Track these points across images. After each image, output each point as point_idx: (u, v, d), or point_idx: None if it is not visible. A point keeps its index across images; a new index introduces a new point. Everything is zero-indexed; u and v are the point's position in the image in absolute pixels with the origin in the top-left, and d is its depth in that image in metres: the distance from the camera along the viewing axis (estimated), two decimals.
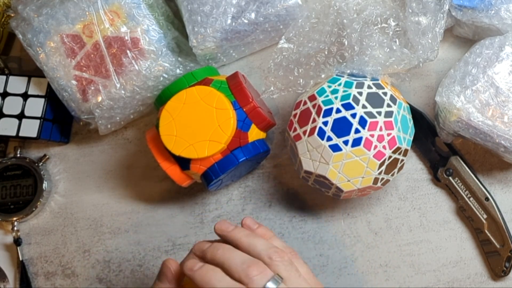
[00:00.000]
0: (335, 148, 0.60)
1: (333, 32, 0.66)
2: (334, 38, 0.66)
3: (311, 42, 0.66)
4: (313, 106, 0.63)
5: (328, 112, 0.61)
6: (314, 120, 0.62)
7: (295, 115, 0.64)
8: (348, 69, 0.65)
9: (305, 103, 0.64)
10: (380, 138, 0.60)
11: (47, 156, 0.75)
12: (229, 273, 0.52)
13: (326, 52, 0.65)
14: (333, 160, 0.60)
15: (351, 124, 0.61)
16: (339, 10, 0.65)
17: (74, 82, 0.68)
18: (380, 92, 0.62)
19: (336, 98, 0.62)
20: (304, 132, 0.62)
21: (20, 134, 0.71)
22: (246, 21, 0.67)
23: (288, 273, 0.53)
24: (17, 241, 0.73)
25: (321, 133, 0.61)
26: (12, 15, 0.71)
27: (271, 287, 0.51)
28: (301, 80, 0.65)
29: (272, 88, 0.66)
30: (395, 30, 0.66)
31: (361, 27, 0.64)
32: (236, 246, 0.55)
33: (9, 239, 0.74)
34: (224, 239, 0.57)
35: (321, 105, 0.62)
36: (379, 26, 0.67)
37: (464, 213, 0.70)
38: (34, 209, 0.73)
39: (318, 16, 0.67)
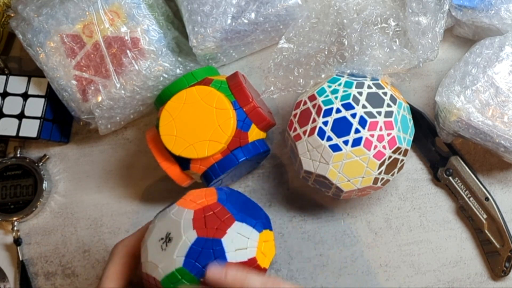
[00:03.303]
0: (335, 148, 0.60)
1: (333, 32, 0.66)
2: (334, 38, 0.66)
3: (311, 42, 0.66)
4: (313, 106, 0.62)
5: (328, 112, 0.61)
6: (314, 120, 0.62)
7: (295, 115, 0.64)
8: (348, 69, 0.65)
9: (305, 103, 0.64)
10: (380, 138, 0.60)
11: (47, 156, 0.75)
12: None
13: (326, 52, 0.65)
14: (333, 160, 0.60)
15: (351, 124, 0.61)
16: (339, 10, 0.65)
17: (74, 82, 0.68)
18: (380, 92, 0.62)
19: (336, 98, 0.62)
20: (304, 132, 0.62)
21: (20, 134, 0.71)
22: (246, 21, 0.67)
23: None
24: (17, 241, 0.73)
25: (321, 133, 0.61)
26: (12, 15, 0.71)
27: None
28: (301, 80, 0.65)
29: (272, 88, 0.66)
30: (395, 30, 0.66)
31: (361, 27, 0.64)
32: None
33: (9, 239, 0.74)
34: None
35: (321, 105, 0.62)
36: (379, 26, 0.67)
37: (464, 213, 0.70)
38: (34, 209, 0.73)
39: (318, 16, 0.67)
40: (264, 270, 0.53)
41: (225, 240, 0.51)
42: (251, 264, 0.52)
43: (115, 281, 0.54)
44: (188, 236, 0.50)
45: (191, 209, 0.52)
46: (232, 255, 0.50)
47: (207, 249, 0.50)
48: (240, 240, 0.51)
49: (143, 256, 0.52)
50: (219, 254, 0.50)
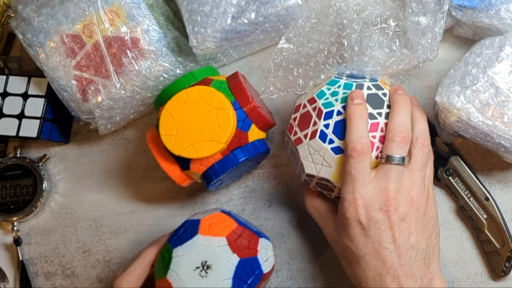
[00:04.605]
0: (337, 150, 0.60)
1: (332, 33, 0.66)
2: (333, 39, 0.66)
3: (311, 43, 0.66)
4: (313, 109, 0.62)
5: (329, 115, 0.61)
6: (315, 123, 0.62)
7: (294, 119, 0.64)
8: (348, 70, 0.65)
9: (304, 106, 0.63)
10: (382, 139, 0.60)
11: (47, 156, 0.75)
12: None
13: (325, 53, 0.65)
14: (336, 162, 0.60)
15: None
16: (339, 11, 0.65)
17: (74, 82, 0.68)
18: (379, 93, 0.62)
19: (336, 100, 0.62)
20: (305, 136, 0.62)
21: (20, 134, 0.71)
22: (246, 21, 0.67)
23: (416, 161, 0.59)
24: (17, 241, 0.73)
25: (323, 136, 0.61)
26: (12, 15, 0.71)
27: (395, 161, 0.57)
28: (301, 81, 0.65)
29: (271, 88, 0.66)
30: (395, 30, 0.66)
31: (360, 28, 0.64)
32: (400, 110, 0.60)
33: (9, 239, 0.74)
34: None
35: (322, 107, 0.62)
36: (379, 26, 0.67)
37: (464, 213, 0.70)
38: (34, 209, 0.73)
39: (318, 16, 0.67)
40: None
41: (259, 256, 0.59)
42: (272, 270, 0.61)
43: None
44: (230, 260, 0.58)
45: (222, 236, 0.59)
46: (265, 267, 0.59)
47: (248, 267, 0.58)
48: (266, 253, 0.60)
49: (177, 286, 0.57)
50: (257, 269, 0.59)
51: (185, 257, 0.58)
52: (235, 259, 0.58)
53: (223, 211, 0.62)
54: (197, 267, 0.57)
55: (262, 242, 0.60)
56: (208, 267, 0.57)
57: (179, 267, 0.57)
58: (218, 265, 0.57)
